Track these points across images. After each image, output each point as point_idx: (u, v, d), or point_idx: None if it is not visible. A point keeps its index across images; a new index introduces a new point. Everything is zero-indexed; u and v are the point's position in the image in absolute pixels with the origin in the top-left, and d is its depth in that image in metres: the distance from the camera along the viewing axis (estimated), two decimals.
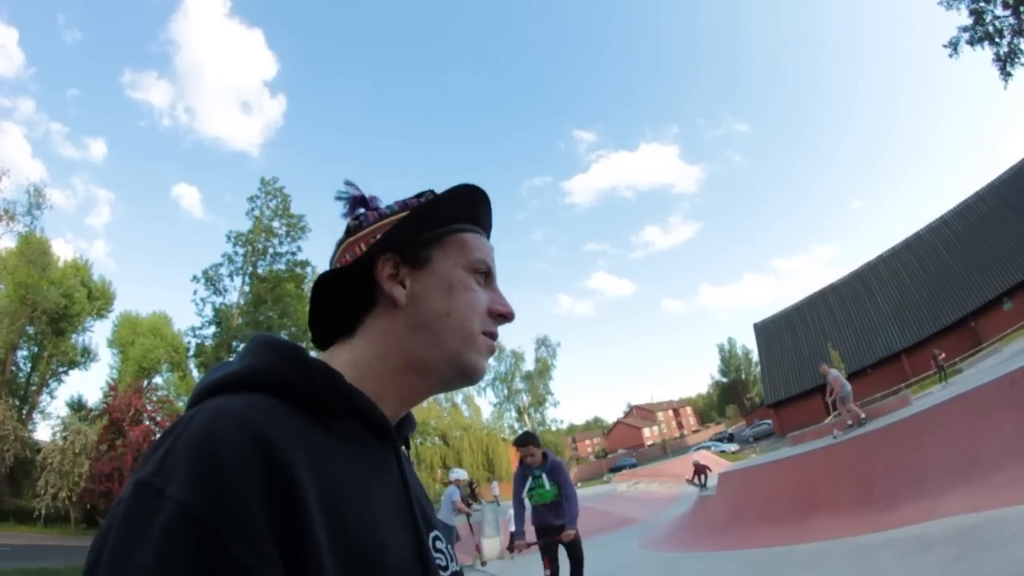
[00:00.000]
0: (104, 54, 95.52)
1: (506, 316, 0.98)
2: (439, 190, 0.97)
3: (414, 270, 0.92)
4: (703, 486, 26.27)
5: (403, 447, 0.96)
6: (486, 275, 0.98)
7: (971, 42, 21.68)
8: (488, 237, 1.03)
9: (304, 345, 1.06)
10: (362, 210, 0.99)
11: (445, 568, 0.90)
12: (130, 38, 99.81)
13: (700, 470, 28.21)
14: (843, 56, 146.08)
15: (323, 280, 0.91)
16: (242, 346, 0.82)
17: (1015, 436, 7.76)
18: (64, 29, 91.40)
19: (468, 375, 0.92)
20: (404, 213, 0.95)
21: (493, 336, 0.95)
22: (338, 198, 1.02)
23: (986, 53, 21.57)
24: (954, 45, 22.26)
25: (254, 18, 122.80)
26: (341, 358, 0.88)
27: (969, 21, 21.58)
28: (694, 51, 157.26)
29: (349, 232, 0.96)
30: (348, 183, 1.02)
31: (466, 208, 0.98)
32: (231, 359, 0.80)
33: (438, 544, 0.91)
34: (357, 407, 0.80)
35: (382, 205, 1.00)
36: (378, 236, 0.93)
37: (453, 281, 0.93)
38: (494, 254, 1.02)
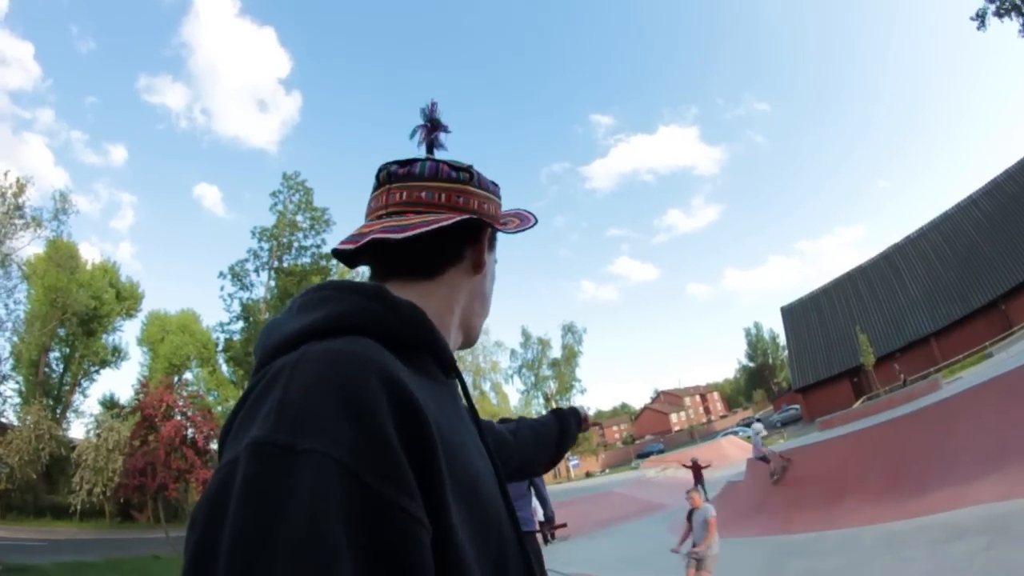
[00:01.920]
0: (118, 61, 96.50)
1: None
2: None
3: (490, 250, 1.03)
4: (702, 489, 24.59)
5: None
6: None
7: (998, 13, 21.06)
8: None
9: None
10: (472, 166, 1.02)
11: None
12: (143, 44, 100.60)
13: (697, 472, 25.87)
14: (869, 33, 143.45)
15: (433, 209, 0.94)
16: (307, 296, 0.80)
17: None
18: (78, 40, 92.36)
19: (471, 344, 1.07)
20: (498, 200, 1.05)
21: None
22: (430, 120, 1.09)
23: (1013, 25, 21.03)
24: (981, 17, 21.59)
25: (265, 17, 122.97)
26: (412, 297, 0.85)
27: None
28: (711, 29, 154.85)
29: (464, 174, 0.98)
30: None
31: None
32: (298, 313, 0.77)
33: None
34: (435, 344, 0.83)
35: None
36: (486, 206, 0.99)
37: (494, 271, 1.08)
38: None
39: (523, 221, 1.11)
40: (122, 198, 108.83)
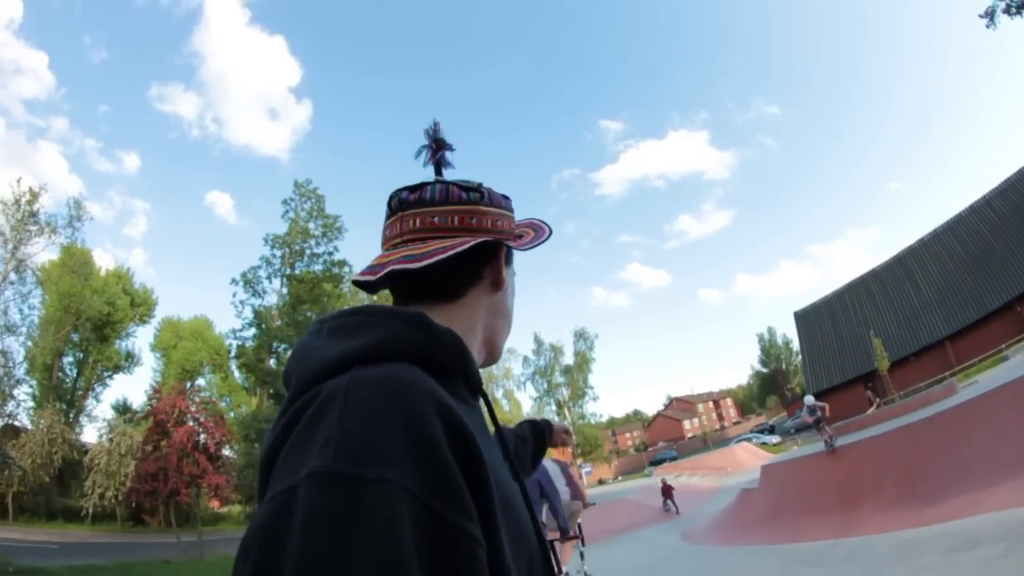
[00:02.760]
0: (131, 70, 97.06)
1: None
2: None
3: (507, 266, 1.04)
4: (672, 509, 24.50)
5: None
6: None
7: (1008, 11, 20.85)
8: None
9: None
10: (481, 183, 1.02)
11: None
12: (155, 53, 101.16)
13: (667, 492, 25.44)
14: (880, 34, 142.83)
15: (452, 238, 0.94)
16: (341, 319, 0.80)
17: None
18: (91, 49, 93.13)
19: (494, 362, 1.07)
20: (511, 214, 1.06)
21: None
22: (434, 140, 1.08)
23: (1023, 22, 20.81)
24: (990, 15, 21.38)
25: (275, 25, 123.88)
26: (437, 320, 0.86)
27: None
28: (719, 33, 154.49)
29: (475, 194, 0.99)
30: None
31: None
32: (333, 337, 0.76)
33: None
34: (469, 369, 0.84)
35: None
36: (499, 223, 1.00)
37: (513, 284, 1.09)
38: None
39: (538, 233, 1.12)
40: (135, 205, 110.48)
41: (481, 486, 0.63)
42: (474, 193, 0.98)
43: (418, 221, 0.94)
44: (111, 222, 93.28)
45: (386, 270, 0.89)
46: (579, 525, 8.63)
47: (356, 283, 0.97)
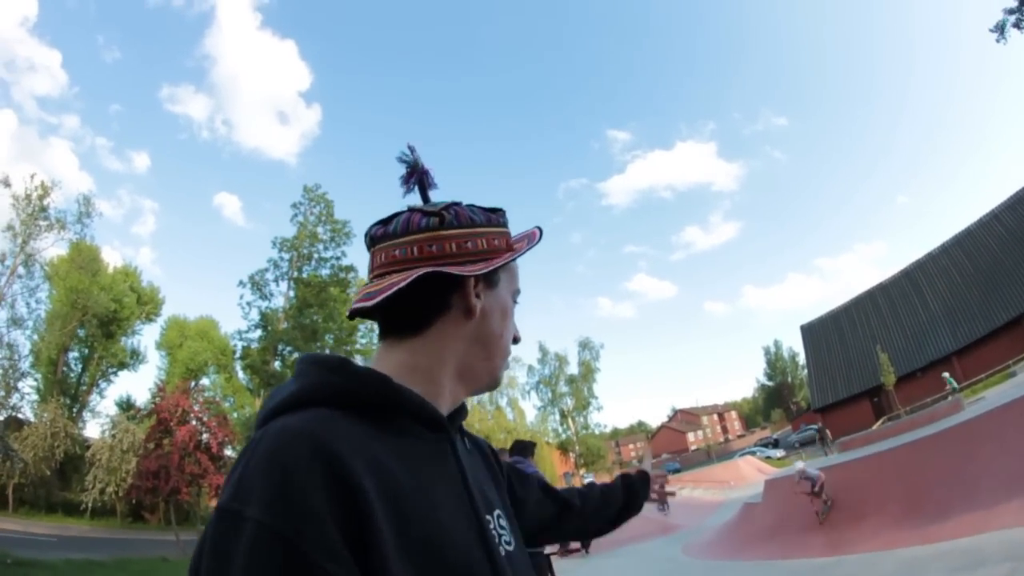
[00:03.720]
0: (143, 71, 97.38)
1: (519, 340, 1.09)
2: (470, 194, 1.09)
3: (487, 288, 1.00)
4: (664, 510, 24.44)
5: (460, 435, 1.03)
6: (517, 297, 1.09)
7: (1018, 24, 20.77)
8: None
9: (348, 349, 1.12)
10: (452, 205, 1.01)
11: (509, 543, 0.96)
12: (167, 54, 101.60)
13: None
14: (889, 47, 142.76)
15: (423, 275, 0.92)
16: (297, 367, 0.89)
17: None
18: (104, 49, 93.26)
19: (495, 386, 1.07)
20: (493, 229, 1.02)
21: (507, 355, 1.07)
22: (409, 166, 1.09)
23: None
24: (1000, 29, 21.32)
25: (286, 30, 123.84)
26: (398, 358, 0.93)
27: (1015, 3, 20.71)
28: (728, 44, 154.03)
29: (434, 219, 0.97)
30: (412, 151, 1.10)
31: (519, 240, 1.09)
32: (287, 383, 0.86)
33: (502, 522, 0.97)
34: (409, 406, 0.86)
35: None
36: (469, 244, 0.97)
37: (507, 306, 1.04)
38: None
39: (528, 240, 1.09)
40: (144, 204, 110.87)
41: (361, 529, 0.67)
42: (433, 219, 0.96)
43: (384, 256, 0.97)
44: (120, 220, 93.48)
45: (351, 308, 0.96)
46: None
47: (351, 314, 0.99)
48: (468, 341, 0.97)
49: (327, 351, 39.33)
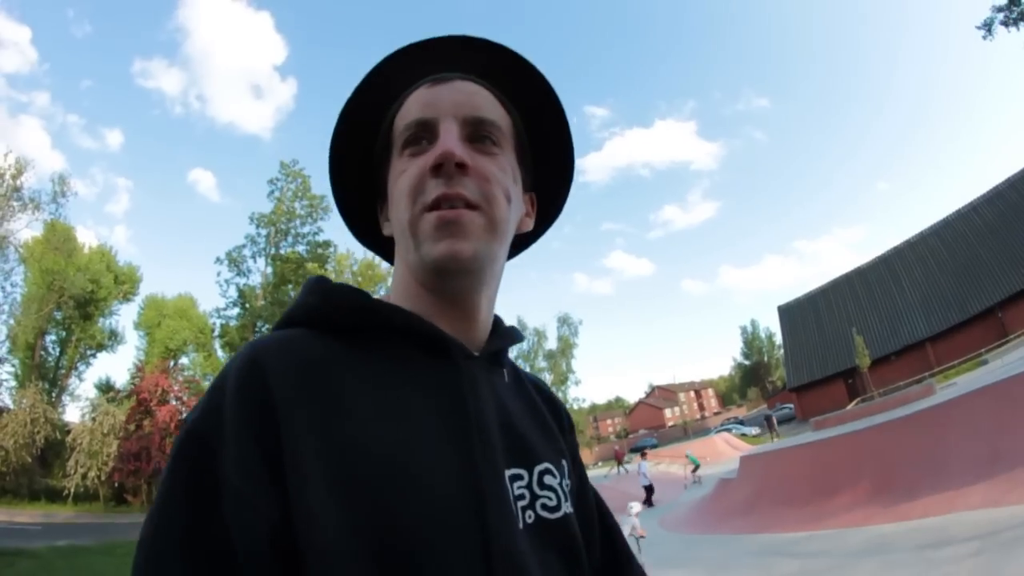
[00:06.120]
0: (114, 45, 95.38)
1: (440, 162, 0.75)
2: None
3: (389, 179, 0.84)
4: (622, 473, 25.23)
5: (498, 365, 0.88)
6: (424, 130, 0.80)
7: (1006, 23, 21.08)
8: (453, 62, 0.86)
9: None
10: None
11: (556, 508, 0.79)
12: (139, 27, 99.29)
13: (619, 457, 26.64)
14: (877, 34, 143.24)
15: None
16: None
17: None
18: (73, 23, 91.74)
19: (438, 271, 0.77)
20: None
21: (438, 203, 0.74)
22: None
23: (1021, 35, 21.02)
24: (988, 26, 21.63)
25: (262, 1, 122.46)
26: (395, 272, 0.86)
27: (1004, 0, 20.96)
28: (711, 21, 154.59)
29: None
30: None
31: (403, 77, 0.86)
32: None
33: (546, 479, 0.80)
34: (399, 325, 0.76)
35: None
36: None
37: (396, 175, 0.81)
38: (459, 86, 0.83)
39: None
40: (118, 183, 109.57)
41: (283, 450, 0.62)
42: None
43: None
44: (94, 199, 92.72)
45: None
46: None
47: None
48: (398, 243, 0.84)
49: None
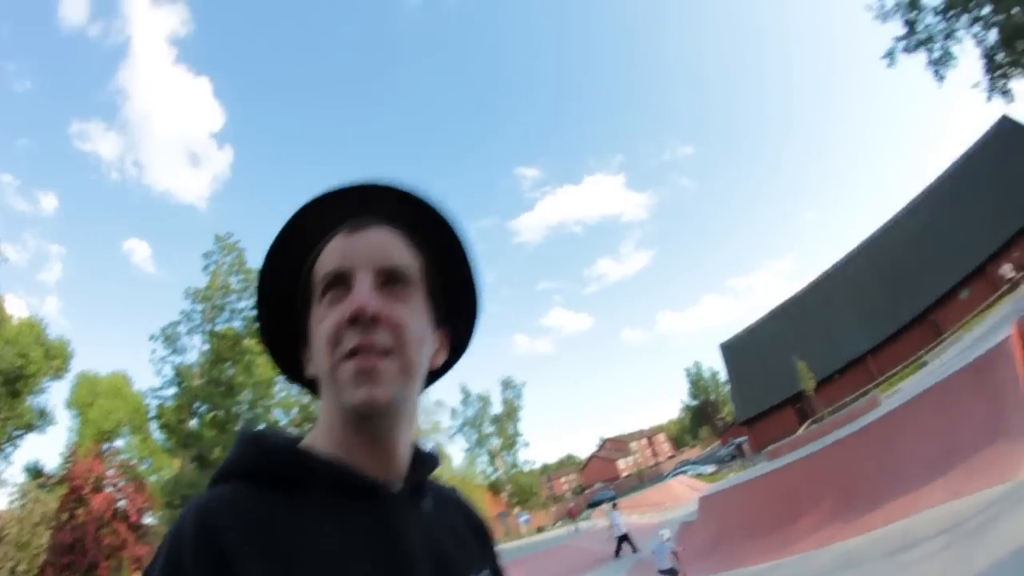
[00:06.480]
0: (53, 103, 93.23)
1: (356, 315, 0.78)
2: None
3: (311, 323, 0.87)
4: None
5: (420, 494, 0.90)
6: (340, 281, 0.83)
7: (907, 50, 22.70)
8: (365, 207, 0.90)
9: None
10: None
11: None
12: (79, 87, 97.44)
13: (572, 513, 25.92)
14: (775, 66, 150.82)
15: None
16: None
17: (987, 419, 7.81)
18: (15, 78, 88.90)
19: (358, 415, 0.79)
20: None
21: (355, 352, 0.77)
22: None
23: (920, 59, 22.67)
24: (891, 55, 23.34)
25: (201, 66, 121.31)
26: (319, 426, 0.86)
27: (903, 31, 22.63)
28: (631, 78, 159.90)
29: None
30: None
31: (319, 225, 0.90)
32: None
33: None
34: (323, 474, 0.78)
35: None
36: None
37: (317, 321, 0.83)
38: (372, 236, 0.86)
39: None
40: (51, 250, 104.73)
41: None
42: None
43: None
44: (25, 266, 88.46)
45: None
46: None
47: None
48: (324, 390, 0.84)
49: (245, 405, 38.31)
